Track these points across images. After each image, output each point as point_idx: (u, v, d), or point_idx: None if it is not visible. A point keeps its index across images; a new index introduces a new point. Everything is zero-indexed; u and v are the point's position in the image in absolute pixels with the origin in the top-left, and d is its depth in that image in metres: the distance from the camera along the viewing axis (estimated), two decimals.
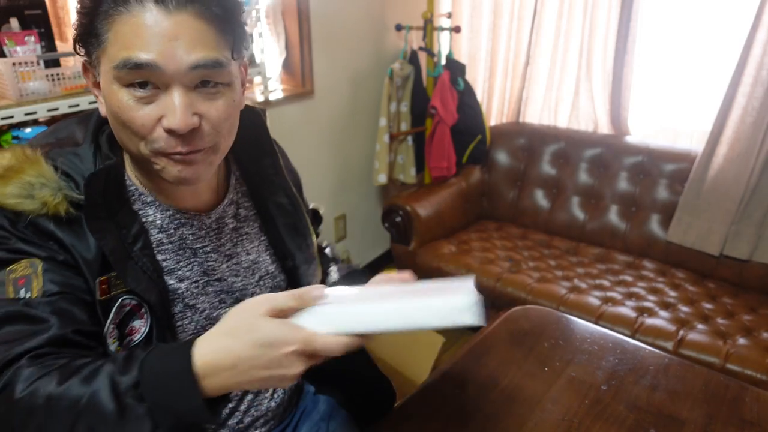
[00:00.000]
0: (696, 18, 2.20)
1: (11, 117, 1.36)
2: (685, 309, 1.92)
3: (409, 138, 2.65)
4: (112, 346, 0.70)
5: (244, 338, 0.55)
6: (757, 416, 0.79)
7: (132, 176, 0.76)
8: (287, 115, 2.24)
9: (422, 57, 2.58)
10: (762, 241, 2.00)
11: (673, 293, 2.01)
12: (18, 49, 1.38)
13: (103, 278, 0.68)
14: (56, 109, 1.42)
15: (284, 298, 0.58)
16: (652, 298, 1.99)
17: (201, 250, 0.79)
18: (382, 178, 2.55)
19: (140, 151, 0.67)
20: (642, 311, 1.89)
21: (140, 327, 0.72)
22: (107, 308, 0.68)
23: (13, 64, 1.35)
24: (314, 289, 0.59)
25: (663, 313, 1.89)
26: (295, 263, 0.86)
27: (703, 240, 2.10)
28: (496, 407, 0.78)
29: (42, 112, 1.40)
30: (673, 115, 2.37)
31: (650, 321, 1.82)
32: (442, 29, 2.51)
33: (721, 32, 2.14)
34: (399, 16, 2.59)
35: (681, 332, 1.77)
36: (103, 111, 0.70)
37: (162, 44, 0.61)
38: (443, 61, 2.52)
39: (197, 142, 0.66)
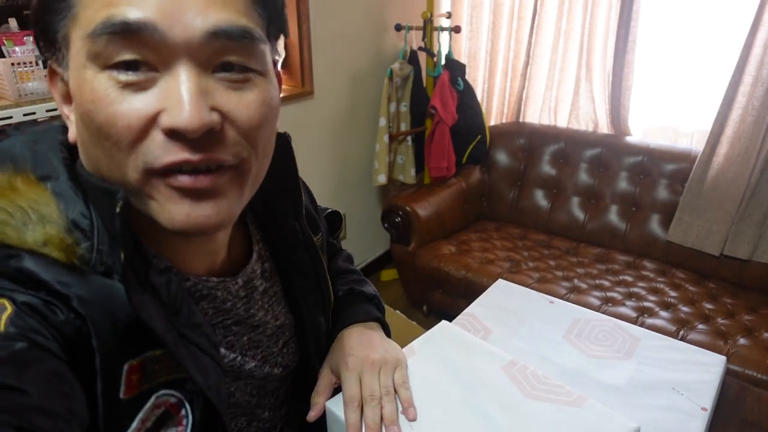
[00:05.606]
0: (696, 17, 2.20)
1: (10, 117, 1.36)
2: (685, 309, 1.92)
3: (409, 138, 2.64)
4: None
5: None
6: (758, 417, 0.78)
7: None
8: (287, 115, 2.24)
9: (422, 57, 2.57)
10: (762, 240, 2.00)
11: (673, 293, 2.01)
12: (17, 49, 1.38)
13: (134, 363, 0.43)
14: (55, 109, 1.42)
15: None
16: (652, 298, 1.98)
17: (220, 324, 0.56)
18: (382, 179, 2.55)
19: (126, 178, 0.42)
20: (642, 311, 1.89)
21: None
22: (134, 410, 0.44)
23: (12, 64, 1.35)
24: None
25: (663, 313, 1.89)
26: (304, 323, 0.66)
27: (703, 240, 2.10)
28: None
29: (41, 112, 1.40)
30: (673, 115, 2.37)
31: (651, 321, 1.82)
32: (442, 29, 2.51)
33: (722, 31, 2.14)
34: (399, 16, 2.59)
35: (681, 332, 1.76)
36: (72, 135, 0.47)
37: None
38: (443, 61, 2.51)
39: (218, 150, 0.43)
